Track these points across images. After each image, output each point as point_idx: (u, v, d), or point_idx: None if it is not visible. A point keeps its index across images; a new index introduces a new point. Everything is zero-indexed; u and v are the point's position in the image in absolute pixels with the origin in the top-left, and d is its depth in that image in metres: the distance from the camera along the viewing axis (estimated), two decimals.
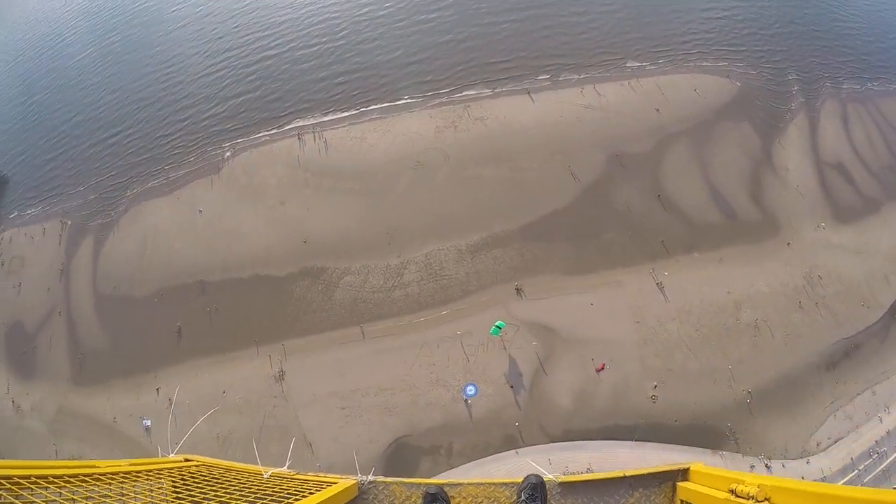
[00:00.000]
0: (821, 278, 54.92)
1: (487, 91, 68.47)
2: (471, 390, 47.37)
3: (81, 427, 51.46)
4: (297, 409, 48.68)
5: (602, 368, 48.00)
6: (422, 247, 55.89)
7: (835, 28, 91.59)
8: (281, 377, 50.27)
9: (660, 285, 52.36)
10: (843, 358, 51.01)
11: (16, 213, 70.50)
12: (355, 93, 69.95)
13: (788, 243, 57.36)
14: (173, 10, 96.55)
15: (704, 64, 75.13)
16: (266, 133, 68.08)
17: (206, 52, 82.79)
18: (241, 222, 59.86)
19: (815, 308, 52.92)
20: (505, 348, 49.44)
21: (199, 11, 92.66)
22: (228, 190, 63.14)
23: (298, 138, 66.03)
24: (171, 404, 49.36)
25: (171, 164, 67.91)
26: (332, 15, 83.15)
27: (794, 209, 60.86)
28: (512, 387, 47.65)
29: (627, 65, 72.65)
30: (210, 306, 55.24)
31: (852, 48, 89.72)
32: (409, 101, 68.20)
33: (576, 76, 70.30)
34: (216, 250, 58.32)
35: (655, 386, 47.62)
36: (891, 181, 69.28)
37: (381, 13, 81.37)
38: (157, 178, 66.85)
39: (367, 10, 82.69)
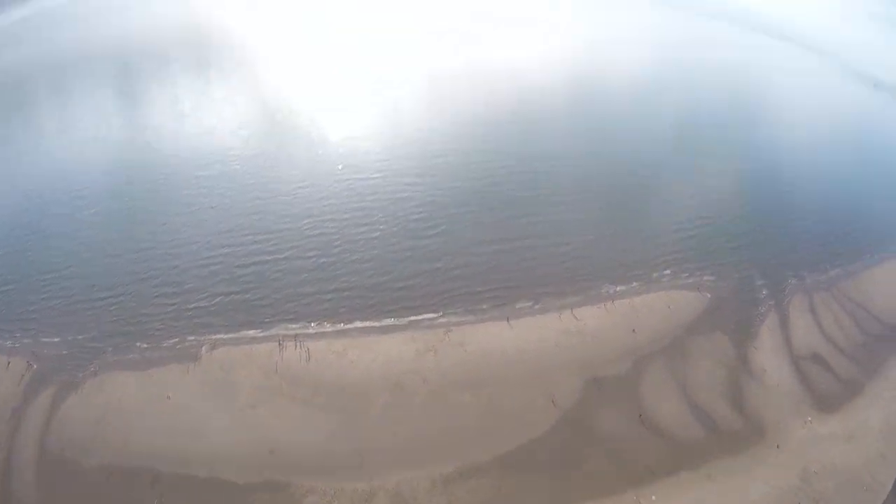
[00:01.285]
0: (816, 474, 53.86)
1: (469, 317, 70.70)
2: None
3: None
4: None
5: None
6: (393, 473, 53.99)
7: (793, 226, 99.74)
8: None
9: None
10: None
11: None
12: (342, 309, 71.72)
13: (777, 445, 56.93)
14: (184, 193, 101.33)
15: (677, 280, 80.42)
16: (249, 333, 68.27)
17: (205, 243, 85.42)
18: (208, 418, 57.88)
19: None
20: None
21: (207, 202, 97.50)
22: (202, 382, 61.85)
23: (279, 344, 66.34)
24: None
25: (149, 342, 67.12)
26: (329, 230, 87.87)
27: (777, 409, 61.25)
28: None
29: (604, 289, 76.87)
30: (159, 500, 51.46)
31: (811, 241, 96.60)
32: (393, 322, 69.82)
33: (555, 302, 73.76)
34: (177, 441, 55.65)
35: None
36: (867, 359, 70.77)
37: (376, 235, 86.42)
38: (132, 352, 65.72)
39: (363, 229, 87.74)
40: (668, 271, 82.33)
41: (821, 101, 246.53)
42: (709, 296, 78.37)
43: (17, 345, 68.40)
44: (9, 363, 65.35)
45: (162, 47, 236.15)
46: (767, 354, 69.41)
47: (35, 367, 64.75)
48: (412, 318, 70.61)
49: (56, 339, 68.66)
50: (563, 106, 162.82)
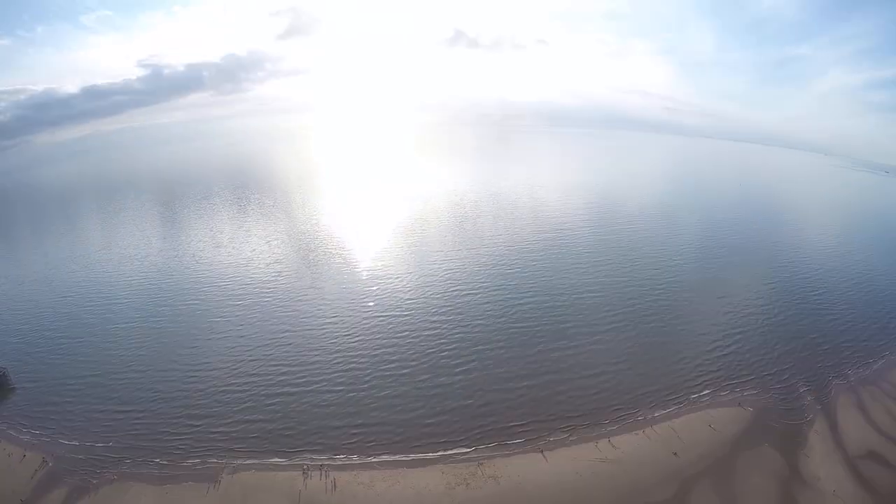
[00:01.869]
0: None
1: (501, 450, 69.31)
2: None
3: None
4: None
5: None
6: None
7: (832, 327, 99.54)
8: None
9: None
10: None
11: (6, 427, 70.08)
12: (370, 443, 70.87)
13: None
14: (215, 320, 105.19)
15: (716, 398, 79.37)
16: (272, 460, 67.13)
17: (232, 370, 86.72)
18: None
19: None
20: None
21: (238, 330, 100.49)
22: None
23: (304, 472, 64.82)
24: None
25: (168, 459, 66.35)
26: (359, 365, 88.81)
27: None
28: None
29: (640, 415, 75.98)
30: None
31: (851, 339, 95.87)
32: (422, 455, 68.51)
33: (590, 432, 72.50)
34: None
35: None
36: None
37: (405, 371, 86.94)
38: (150, 466, 64.74)
39: (393, 366, 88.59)
40: (706, 391, 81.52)
41: (835, 196, 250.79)
42: (751, 409, 76.87)
43: (34, 441, 69.13)
44: (24, 456, 65.84)
45: (204, 180, 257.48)
46: (820, 460, 66.82)
47: (50, 464, 64.75)
48: (442, 451, 69.51)
49: (74, 443, 69.15)
50: (587, 235, 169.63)
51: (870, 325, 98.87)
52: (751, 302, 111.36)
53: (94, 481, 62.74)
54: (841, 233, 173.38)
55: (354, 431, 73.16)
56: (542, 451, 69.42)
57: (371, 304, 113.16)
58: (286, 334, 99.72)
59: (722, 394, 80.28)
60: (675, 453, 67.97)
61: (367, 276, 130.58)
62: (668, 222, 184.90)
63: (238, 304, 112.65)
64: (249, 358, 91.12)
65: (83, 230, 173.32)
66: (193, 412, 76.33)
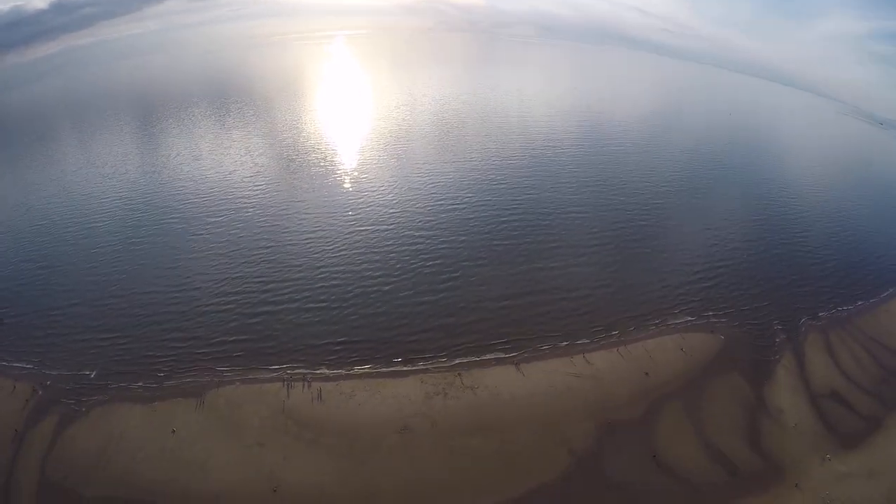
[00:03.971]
0: None
1: (479, 362, 70.43)
2: None
3: None
4: None
5: None
6: None
7: (812, 271, 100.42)
8: None
9: None
10: None
11: None
12: (352, 357, 71.63)
13: (796, 484, 56.04)
14: (196, 237, 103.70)
15: (691, 325, 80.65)
16: (257, 373, 68.17)
17: (215, 290, 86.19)
18: (212, 454, 57.00)
19: None
20: None
21: (218, 248, 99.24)
22: (207, 418, 61.35)
23: (287, 384, 66.07)
24: None
25: (155, 378, 67.24)
26: (342, 281, 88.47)
27: (795, 449, 60.54)
28: None
29: (616, 335, 77.24)
30: None
31: (825, 280, 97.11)
32: (402, 367, 69.69)
33: (567, 347, 73.93)
34: (179, 476, 54.58)
35: None
36: (885, 393, 70.57)
37: (388, 286, 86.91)
38: (138, 387, 65.72)
39: (376, 281, 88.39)
40: (683, 318, 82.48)
41: (829, 142, 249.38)
42: (723, 337, 78.41)
43: (23, 371, 69.05)
44: (14, 387, 66.02)
45: (183, 93, 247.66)
46: (784, 394, 68.71)
47: (40, 393, 65.11)
48: (421, 363, 70.45)
49: (61, 371, 69.03)
50: (575, 153, 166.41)
51: (849, 273, 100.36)
52: (737, 237, 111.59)
53: (84, 406, 63.08)
54: (833, 180, 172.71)
55: (337, 347, 73.31)
56: (518, 364, 70.58)
57: (354, 217, 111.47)
58: (268, 250, 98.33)
59: (697, 321, 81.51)
60: (647, 373, 69.81)
61: (350, 188, 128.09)
62: (659, 148, 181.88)
63: (218, 220, 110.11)
64: (231, 276, 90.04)
65: (58, 152, 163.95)
66: (176, 335, 75.84)
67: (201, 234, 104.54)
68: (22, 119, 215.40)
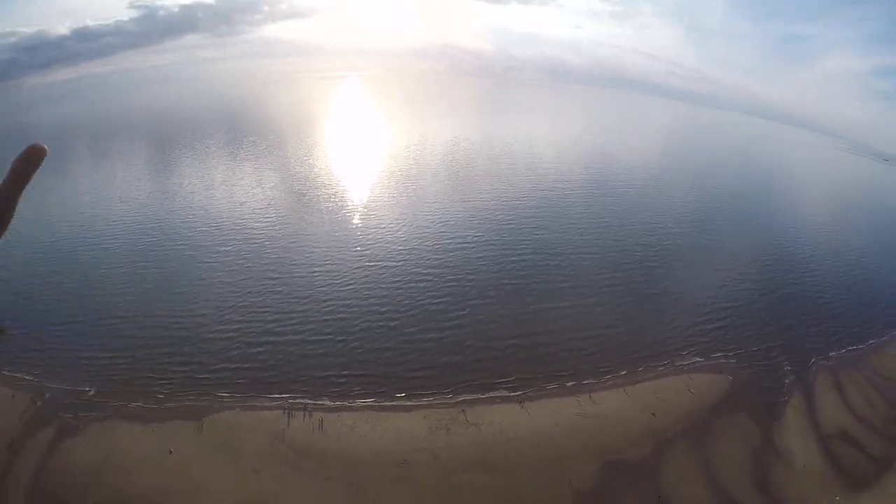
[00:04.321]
0: None
1: (484, 399, 70.10)
2: None
3: None
4: None
5: None
6: None
7: (822, 311, 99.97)
8: None
9: None
10: None
11: None
12: (355, 389, 71.42)
13: None
14: (203, 264, 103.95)
15: (699, 365, 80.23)
16: (258, 400, 67.89)
17: (219, 317, 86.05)
18: (208, 478, 56.37)
19: None
20: None
21: (226, 276, 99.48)
22: (205, 441, 60.86)
23: (288, 412, 65.61)
24: None
25: (155, 399, 67.01)
26: (348, 315, 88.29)
27: (805, 490, 59.62)
28: None
29: (623, 374, 76.75)
30: None
31: (834, 319, 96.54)
32: (406, 402, 69.31)
33: (573, 386, 73.55)
34: (173, 498, 53.92)
35: None
36: None
37: (395, 322, 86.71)
38: (137, 405, 65.59)
39: (382, 317, 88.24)
40: (691, 358, 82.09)
41: (836, 179, 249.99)
42: (731, 378, 77.80)
43: (23, 382, 68.91)
44: (13, 396, 65.92)
45: (198, 124, 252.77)
46: (794, 435, 67.86)
47: (38, 404, 64.91)
48: (425, 397, 70.25)
49: (61, 385, 68.82)
50: (584, 195, 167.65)
51: (859, 311, 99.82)
52: (746, 277, 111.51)
53: (81, 421, 62.96)
54: (840, 218, 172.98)
55: (340, 380, 73.04)
56: (523, 403, 70.22)
57: (362, 252, 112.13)
58: (275, 281, 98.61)
59: (706, 362, 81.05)
60: (654, 413, 69.12)
61: (360, 224, 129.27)
62: (668, 190, 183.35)
63: (227, 250, 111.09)
64: (237, 304, 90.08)
65: (72, 173, 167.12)
66: (178, 358, 75.80)
67: (209, 262, 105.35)
68: (37, 139, 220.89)
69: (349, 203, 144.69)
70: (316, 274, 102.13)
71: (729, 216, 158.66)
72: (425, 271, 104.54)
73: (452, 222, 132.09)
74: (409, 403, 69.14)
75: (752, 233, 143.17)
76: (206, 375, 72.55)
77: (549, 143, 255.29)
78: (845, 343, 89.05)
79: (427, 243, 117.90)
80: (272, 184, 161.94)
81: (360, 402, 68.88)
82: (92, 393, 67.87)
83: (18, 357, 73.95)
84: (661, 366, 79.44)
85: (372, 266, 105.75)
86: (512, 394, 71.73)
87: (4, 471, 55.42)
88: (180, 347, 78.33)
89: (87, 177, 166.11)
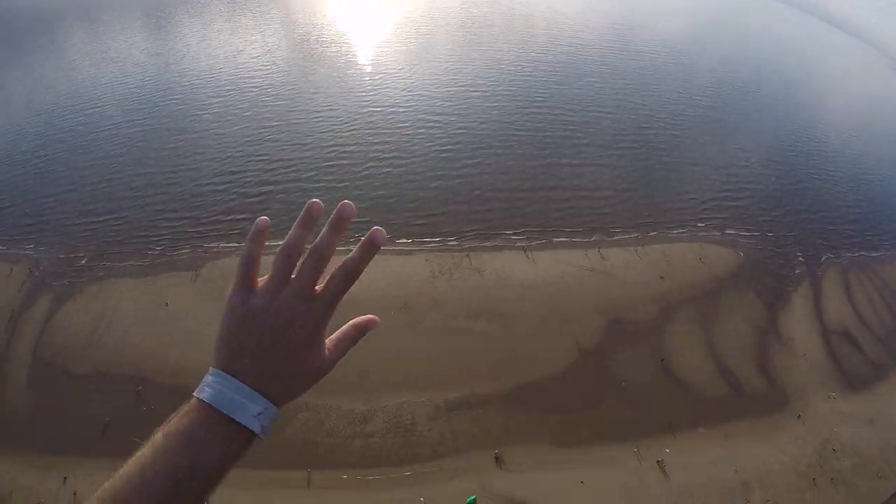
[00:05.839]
0: (835, 452, 51.01)
1: (489, 246, 68.13)
2: None
3: None
4: None
5: None
6: (394, 395, 50.99)
7: (841, 210, 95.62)
8: None
9: (660, 463, 47.19)
10: None
11: None
12: (357, 234, 69.21)
13: (799, 416, 53.85)
14: (195, 116, 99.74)
15: (712, 235, 77.40)
16: None
17: (214, 169, 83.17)
18: (204, 328, 55.30)
19: (831, 484, 48.40)
20: None
21: (219, 127, 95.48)
22: (201, 292, 59.98)
23: None
24: (74, 500, 42.24)
25: (149, 256, 65.89)
26: (351, 162, 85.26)
27: (802, 379, 58.03)
28: None
29: (634, 234, 74.35)
30: (146, 407, 48.98)
31: (852, 221, 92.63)
32: (408, 245, 67.37)
33: (583, 240, 71.32)
34: (170, 351, 53.63)
35: None
36: None
37: (400, 169, 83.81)
38: (132, 264, 64.60)
39: (387, 163, 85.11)
40: (703, 227, 78.98)
41: (869, 84, 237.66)
42: (742, 255, 74.71)
43: (21, 252, 67.51)
44: (11, 270, 64.20)
45: None
46: (798, 322, 65.48)
47: (36, 274, 63.69)
48: (428, 241, 68.10)
49: (56, 253, 67.15)
50: (606, 52, 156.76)
51: (878, 222, 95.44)
52: (769, 163, 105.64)
53: (77, 286, 61.39)
54: (875, 128, 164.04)
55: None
56: (529, 252, 67.74)
57: (369, 98, 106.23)
58: (273, 128, 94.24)
59: (720, 235, 78.26)
60: (663, 277, 66.63)
61: (367, 69, 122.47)
62: (696, 61, 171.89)
63: (221, 101, 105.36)
64: (233, 155, 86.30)
65: (58, 36, 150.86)
66: (171, 214, 73.16)
67: (201, 114, 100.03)
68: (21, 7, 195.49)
69: (356, 48, 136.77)
70: (318, 120, 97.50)
71: (761, 101, 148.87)
72: (434, 118, 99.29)
73: (466, 70, 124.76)
74: (411, 248, 66.83)
75: (783, 122, 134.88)
76: (200, 228, 70.23)
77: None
78: (859, 247, 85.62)
79: (437, 89, 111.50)
80: (272, 31, 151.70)
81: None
82: (86, 257, 65.99)
83: (14, 234, 71.14)
84: (674, 232, 76.56)
85: (377, 111, 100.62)
86: (518, 243, 69.14)
87: (7, 343, 54.26)
88: (173, 203, 75.31)
89: (73, 37, 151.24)
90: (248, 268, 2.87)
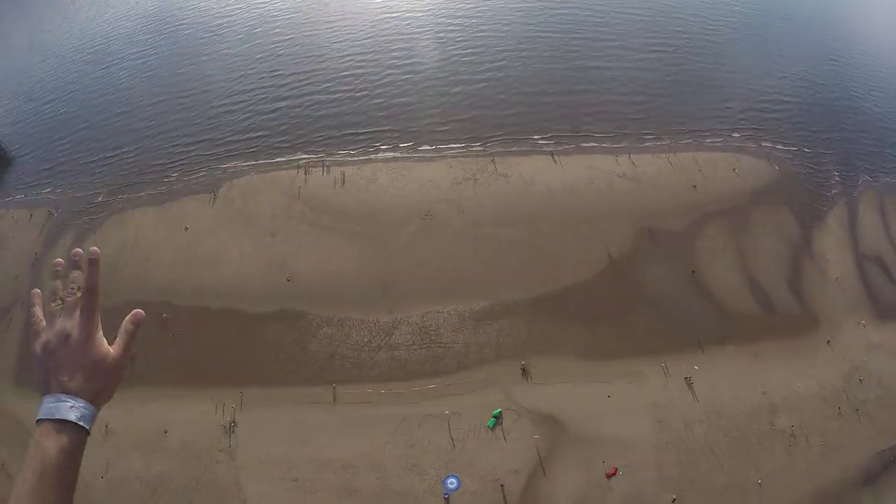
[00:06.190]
0: (861, 381, 48.89)
1: (516, 152, 65.17)
2: (452, 484, 39.26)
3: (5, 429, 44.37)
4: (242, 469, 40.76)
5: (614, 474, 40.30)
6: (418, 306, 49.43)
7: (883, 133, 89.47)
8: (231, 429, 42.82)
9: (688, 381, 45.56)
10: (883, 471, 44.23)
11: (10, 197, 69.24)
12: (377, 143, 67.41)
13: (828, 341, 51.51)
14: (203, 39, 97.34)
15: (747, 146, 72.75)
16: (272, 161, 65.46)
17: (226, 89, 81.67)
18: (225, 247, 55.07)
19: (855, 415, 46.64)
20: (502, 437, 42.09)
21: (228, 47, 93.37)
22: (220, 212, 59.26)
23: (304, 170, 62.61)
24: (105, 432, 42.02)
25: (166, 183, 64.98)
26: (369, 71, 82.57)
27: (834, 303, 55.36)
28: (503, 486, 39.75)
29: (667, 140, 70.10)
30: (171, 332, 48.84)
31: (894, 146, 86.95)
32: (430, 153, 65.26)
33: (612, 145, 67.78)
34: (192, 272, 53.17)
35: (674, 500, 39.81)
36: None
37: (420, 75, 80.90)
38: (150, 192, 63.97)
39: (406, 69, 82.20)
40: (738, 137, 74.00)
41: None
42: (778, 169, 70.18)
43: (39, 196, 67.46)
44: (31, 216, 64.30)
45: None
46: (832, 243, 62.00)
47: (55, 215, 63.75)
48: (452, 146, 65.63)
49: (74, 193, 66.78)
50: None
51: None
52: (811, 76, 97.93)
53: (96, 222, 61.64)
54: None
55: (360, 137, 68.81)
56: (557, 156, 64.67)
57: (384, 2, 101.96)
58: (285, 42, 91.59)
59: (755, 147, 73.47)
60: (695, 186, 63.16)
61: None
62: None
63: (228, 20, 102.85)
64: (245, 73, 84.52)
65: None
66: (186, 139, 72.23)
67: (208, 37, 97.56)
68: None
69: None
70: (332, 29, 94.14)
71: (807, 8, 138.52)
72: (454, 21, 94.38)
73: None
74: (434, 154, 64.88)
75: (826, 32, 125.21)
76: (216, 150, 69.32)
77: None
78: None
79: None
80: None
81: (381, 157, 65.14)
82: (102, 195, 65.95)
83: (32, 181, 71.08)
84: (708, 141, 72.09)
85: (394, 16, 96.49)
86: (546, 148, 65.99)
87: (32, 286, 53.71)
88: (187, 129, 74.19)
89: None
90: (33, 321, 3.99)
